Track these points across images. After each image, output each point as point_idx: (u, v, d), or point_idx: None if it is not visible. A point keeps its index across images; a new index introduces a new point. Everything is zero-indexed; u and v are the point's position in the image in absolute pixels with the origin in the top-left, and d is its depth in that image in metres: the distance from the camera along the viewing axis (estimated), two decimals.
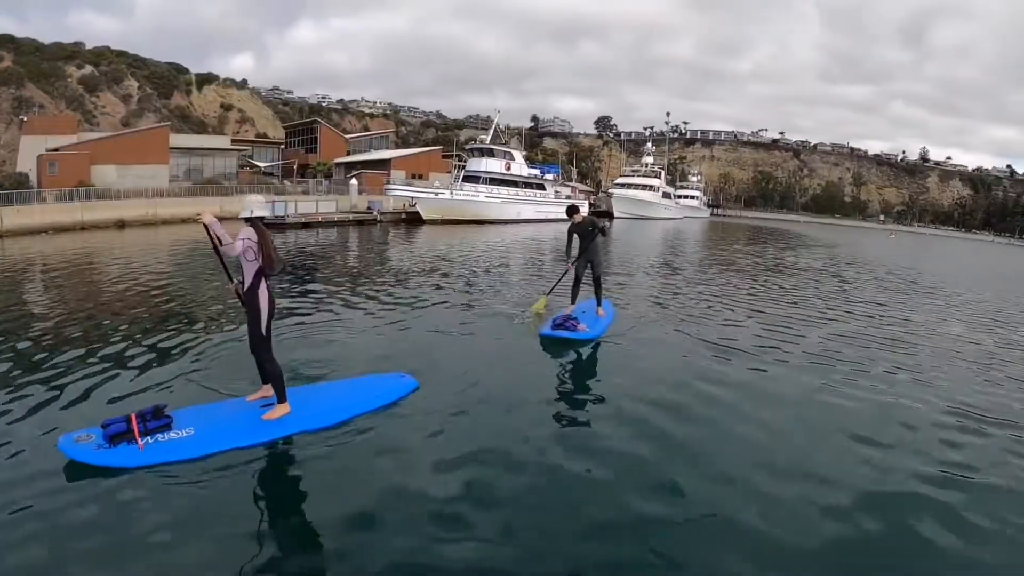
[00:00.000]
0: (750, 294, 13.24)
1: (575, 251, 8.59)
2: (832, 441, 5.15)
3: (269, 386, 4.93)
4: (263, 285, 4.61)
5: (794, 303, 12.46)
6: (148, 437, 4.27)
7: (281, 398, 4.79)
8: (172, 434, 4.37)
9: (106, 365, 6.25)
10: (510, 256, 19.60)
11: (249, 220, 4.59)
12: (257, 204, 4.63)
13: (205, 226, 4.54)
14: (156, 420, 4.38)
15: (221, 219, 4.68)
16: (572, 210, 8.69)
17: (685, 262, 20.84)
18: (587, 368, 7.02)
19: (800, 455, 4.80)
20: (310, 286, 11.87)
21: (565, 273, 9.05)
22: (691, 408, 5.66)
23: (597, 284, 8.82)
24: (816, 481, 4.36)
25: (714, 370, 6.90)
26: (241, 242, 4.46)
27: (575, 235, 8.56)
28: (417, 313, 9.35)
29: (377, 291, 11.26)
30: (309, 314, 8.99)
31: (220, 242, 4.47)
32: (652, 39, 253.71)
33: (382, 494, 3.92)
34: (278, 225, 27.32)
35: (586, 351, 7.51)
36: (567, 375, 6.71)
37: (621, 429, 5.10)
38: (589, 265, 8.65)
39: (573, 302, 8.77)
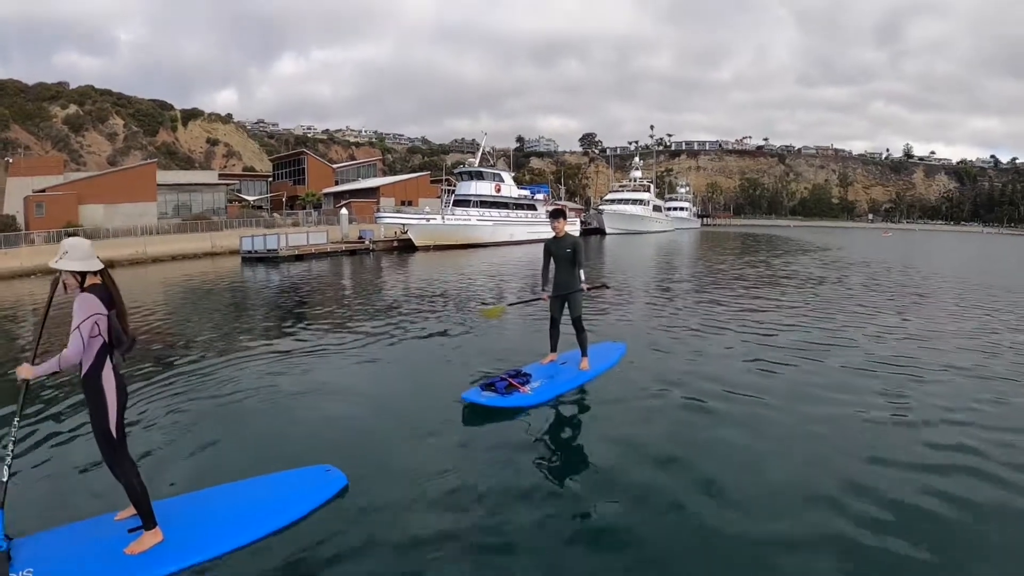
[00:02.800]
0: (753, 316, 11.56)
1: (551, 278, 6.90)
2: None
3: None
4: (108, 367, 3.35)
5: (802, 318, 11.22)
6: None
7: (148, 523, 3.47)
8: None
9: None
10: (503, 283, 18.19)
11: (88, 275, 3.29)
12: (83, 251, 3.25)
13: (26, 381, 3.26)
14: None
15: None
16: (557, 214, 6.89)
17: (681, 279, 20.19)
18: (569, 443, 5.32)
19: None
20: (237, 325, 11.13)
21: (534, 300, 7.82)
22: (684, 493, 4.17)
23: (578, 328, 6.84)
24: None
25: (709, 438, 5.14)
26: (87, 323, 3.17)
27: (552, 258, 6.86)
28: (367, 369, 7.57)
29: (327, 337, 9.53)
30: (216, 371, 7.37)
31: (58, 365, 3.16)
32: (631, 53, 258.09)
33: None
34: (272, 259, 27.23)
35: (570, 414, 5.82)
36: (536, 457, 4.84)
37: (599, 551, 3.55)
38: (566, 305, 6.82)
39: (553, 350, 7.11)
